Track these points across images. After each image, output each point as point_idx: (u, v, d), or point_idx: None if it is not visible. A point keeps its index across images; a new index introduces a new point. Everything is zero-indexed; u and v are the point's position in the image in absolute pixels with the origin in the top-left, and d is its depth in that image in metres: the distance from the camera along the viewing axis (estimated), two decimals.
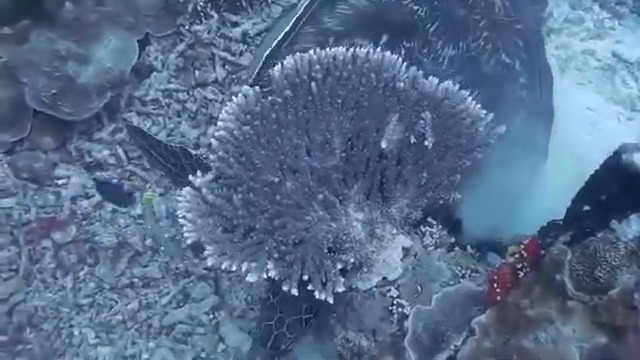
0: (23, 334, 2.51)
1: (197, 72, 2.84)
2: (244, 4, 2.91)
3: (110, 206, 2.68)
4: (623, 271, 1.48)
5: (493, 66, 2.31)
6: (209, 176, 1.77)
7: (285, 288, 1.68)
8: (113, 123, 2.79)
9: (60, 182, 2.73)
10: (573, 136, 2.65)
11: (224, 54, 2.86)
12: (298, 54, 1.86)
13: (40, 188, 2.71)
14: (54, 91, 2.57)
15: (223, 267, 1.66)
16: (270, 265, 1.69)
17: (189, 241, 1.69)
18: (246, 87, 1.81)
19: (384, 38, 2.26)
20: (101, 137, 2.76)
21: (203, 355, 2.46)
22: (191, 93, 2.85)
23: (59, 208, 2.68)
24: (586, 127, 2.68)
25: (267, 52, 2.30)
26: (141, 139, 2.44)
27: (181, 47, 2.85)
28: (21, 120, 2.68)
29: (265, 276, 1.67)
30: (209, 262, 1.67)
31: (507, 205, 2.09)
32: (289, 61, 1.84)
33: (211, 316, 2.52)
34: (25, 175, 2.69)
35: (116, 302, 2.57)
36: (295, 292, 1.68)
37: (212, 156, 1.78)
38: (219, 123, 1.79)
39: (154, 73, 2.84)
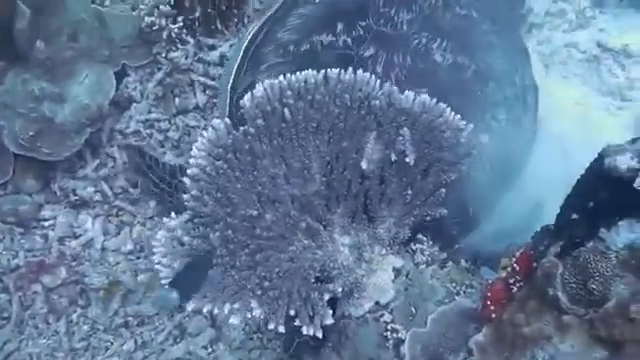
0: None
1: (177, 99, 2.79)
2: (219, 27, 2.87)
3: (99, 244, 2.64)
4: (617, 282, 1.42)
5: (451, 19, 2.34)
6: (184, 217, 1.72)
7: (271, 327, 1.63)
8: (96, 159, 2.74)
9: (47, 224, 2.69)
10: (563, 132, 2.59)
11: (203, 79, 2.82)
12: (267, 81, 1.81)
13: (27, 231, 2.67)
14: (32, 133, 2.53)
15: (205, 311, 1.61)
16: (254, 303, 1.64)
17: (167, 288, 1.65)
18: (216, 120, 1.76)
19: (340, 26, 2.27)
20: (85, 174, 2.71)
21: None
22: (173, 122, 2.80)
23: (47, 250, 2.64)
24: (576, 121, 2.61)
25: (229, 84, 2.35)
26: (140, 160, 2.42)
27: (159, 75, 2.80)
28: (2, 164, 2.64)
29: (249, 316, 1.62)
30: (189, 307, 1.62)
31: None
32: (259, 89, 1.79)
33: (209, 350, 2.47)
34: (11, 219, 2.65)
35: (111, 343, 2.52)
36: (282, 329, 1.63)
37: (185, 196, 1.73)
38: (190, 161, 1.74)
39: (134, 104, 2.79)
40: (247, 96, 1.79)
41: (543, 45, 2.82)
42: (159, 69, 2.82)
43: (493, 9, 2.48)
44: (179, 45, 2.80)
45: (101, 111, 2.63)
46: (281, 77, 1.82)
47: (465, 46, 2.29)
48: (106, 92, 2.66)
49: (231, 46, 2.85)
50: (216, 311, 1.62)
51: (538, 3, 2.86)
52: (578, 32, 2.84)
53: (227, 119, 1.78)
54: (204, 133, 1.76)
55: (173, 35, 2.77)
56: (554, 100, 2.66)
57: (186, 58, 2.80)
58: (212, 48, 2.85)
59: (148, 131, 2.79)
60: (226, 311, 1.62)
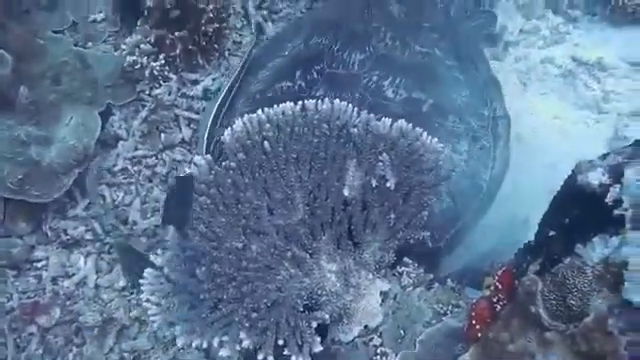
0: None
1: (163, 135, 2.83)
2: (200, 61, 2.92)
3: (92, 282, 2.65)
4: (594, 296, 1.45)
5: (409, 56, 2.48)
6: (169, 253, 1.75)
7: (260, 357, 1.65)
8: (86, 199, 2.77)
9: (40, 264, 2.70)
10: (543, 147, 2.63)
11: (187, 113, 2.86)
12: (246, 116, 1.85)
13: (20, 273, 2.68)
14: (20, 176, 2.56)
15: (194, 345, 1.64)
16: (243, 335, 1.66)
17: (155, 325, 1.67)
18: (197, 157, 1.80)
19: (298, 73, 2.47)
20: (76, 214, 2.74)
21: None
22: (160, 157, 2.83)
23: (41, 291, 2.65)
24: (555, 136, 2.66)
25: (205, 136, 2.53)
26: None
27: (144, 113, 2.84)
28: None
29: (238, 348, 1.64)
30: (179, 342, 1.65)
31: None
32: (238, 124, 1.84)
33: None
34: (3, 262, 2.66)
35: None
36: (271, 359, 1.66)
37: (170, 233, 1.76)
38: None
39: (120, 142, 2.82)
40: (227, 131, 1.84)
41: (520, 62, 2.88)
42: (143, 106, 2.86)
43: (459, 45, 2.58)
44: (162, 82, 2.85)
45: (87, 151, 2.66)
46: (259, 111, 1.86)
47: (423, 82, 2.39)
48: (92, 132, 2.69)
49: (214, 80, 2.91)
50: (205, 345, 1.64)
51: (512, 21, 2.92)
52: (553, 48, 2.89)
53: (208, 155, 1.81)
54: (186, 170, 1.79)
55: (155, 72, 2.82)
56: (534, 117, 2.71)
57: (169, 94, 2.85)
58: (195, 83, 2.91)
59: (136, 168, 2.82)
60: (215, 344, 1.64)
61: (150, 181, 2.81)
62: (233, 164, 1.82)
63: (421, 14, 2.63)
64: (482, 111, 2.41)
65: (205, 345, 1.64)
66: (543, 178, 2.55)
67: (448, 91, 2.41)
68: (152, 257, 1.74)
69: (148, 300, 1.70)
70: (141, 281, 1.73)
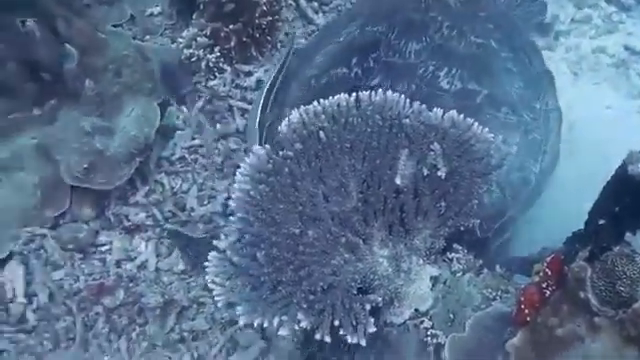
0: None
1: (218, 125, 2.94)
2: (254, 53, 3.02)
3: (153, 265, 2.79)
4: None
5: (465, 47, 2.50)
6: (233, 238, 1.85)
7: (318, 336, 1.74)
8: (146, 186, 2.90)
9: (104, 248, 2.84)
10: (595, 137, 2.64)
11: (241, 104, 2.97)
12: (302, 107, 1.93)
13: (86, 257, 2.83)
14: (85, 166, 2.70)
15: (255, 324, 1.74)
16: (301, 316, 1.75)
17: (220, 304, 1.78)
18: (256, 147, 1.89)
19: (354, 60, 2.50)
20: (136, 201, 2.87)
21: None
22: (215, 146, 2.94)
23: (106, 273, 2.79)
24: (607, 126, 2.67)
25: (257, 119, 2.62)
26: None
27: (200, 103, 2.96)
28: (60, 195, 2.81)
29: (297, 328, 1.73)
30: (241, 321, 1.75)
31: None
32: (295, 115, 1.92)
33: None
34: (71, 246, 2.81)
35: (169, 358, 2.66)
36: (328, 339, 1.74)
37: (232, 218, 1.86)
38: (235, 186, 1.87)
39: (177, 132, 2.95)
40: (284, 122, 1.92)
41: (571, 52, 2.88)
42: (199, 97, 2.98)
43: (513, 36, 2.60)
44: (217, 74, 2.96)
45: (148, 141, 2.78)
46: (315, 102, 1.94)
47: (478, 73, 2.41)
48: (152, 122, 2.82)
49: (266, 71, 3.00)
50: (266, 324, 1.74)
51: (564, 10, 2.92)
52: (605, 37, 2.89)
53: (267, 145, 1.90)
54: (246, 159, 1.89)
55: (211, 65, 2.94)
56: (586, 107, 2.72)
57: (224, 85, 2.96)
58: (249, 74, 3.01)
59: (192, 157, 2.94)
60: (275, 324, 1.74)
61: (206, 169, 2.93)
62: (290, 153, 1.91)
63: (477, 3, 2.66)
64: (534, 104, 2.44)
65: (266, 324, 1.74)
66: (595, 168, 2.56)
67: (502, 83, 2.44)
68: (215, 242, 1.84)
69: (213, 281, 1.81)
70: (206, 263, 1.83)
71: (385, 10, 2.67)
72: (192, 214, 2.83)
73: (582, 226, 1.82)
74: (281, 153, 1.91)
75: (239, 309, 1.77)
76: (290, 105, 2.52)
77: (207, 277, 1.82)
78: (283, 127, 1.91)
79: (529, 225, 2.45)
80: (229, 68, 2.97)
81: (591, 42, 2.89)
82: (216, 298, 1.80)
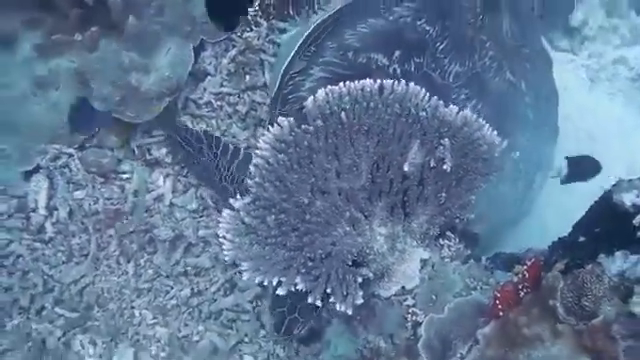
0: (91, 312, 2.86)
1: (247, 76, 3.06)
2: (291, 12, 3.11)
3: (168, 200, 2.97)
4: (606, 302, 1.66)
5: (498, 83, 2.53)
6: (247, 199, 2.02)
7: (310, 300, 1.94)
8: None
9: (124, 176, 3.02)
10: (600, 146, 2.77)
11: (272, 59, 3.08)
12: (329, 87, 2.06)
13: (106, 182, 3.01)
14: (118, 98, 2.85)
15: (256, 281, 1.93)
16: (298, 279, 1.94)
17: (227, 258, 1.97)
18: (281, 118, 2.04)
19: (397, 54, 2.51)
20: (160, 134, 3.03)
21: (246, 340, 2.75)
22: (241, 96, 3.08)
23: (123, 200, 2.98)
24: (614, 137, 2.79)
25: (285, 65, 2.62)
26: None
27: (233, 53, 3.07)
28: None
29: (293, 289, 1.93)
30: (244, 276, 1.94)
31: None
32: (320, 93, 2.05)
33: (254, 304, 2.80)
34: (94, 170, 2.99)
35: (171, 288, 2.87)
36: (319, 303, 1.94)
37: (249, 182, 2.02)
38: (257, 152, 2.03)
39: (208, 77, 3.08)
40: (310, 98, 2.06)
41: (593, 59, 2.96)
42: (233, 47, 3.09)
43: (542, 83, 2.61)
44: (253, 27, 3.07)
45: (180, 83, 2.92)
46: (341, 84, 2.07)
47: (501, 114, 2.46)
48: (185, 66, 2.94)
49: (298, 31, 3.09)
50: (266, 282, 1.93)
51: (594, 16, 2.99)
52: (629, 48, 2.97)
53: (291, 118, 2.05)
54: (270, 128, 2.04)
55: (249, 17, 3.04)
56: (597, 115, 2.84)
57: (258, 39, 3.07)
58: (283, 31, 3.10)
59: (219, 103, 3.08)
60: (274, 283, 1.93)
61: (230, 117, 3.07)
62: (311, 128, 2.05)
63: (525, 38, 2.63)
64: (532, 155, 2.53)
65: (265, 283, 1.93)
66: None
67: (514, 129, 2.47)
68: (231, 200, 2.02)
69: (224, 237, 1.99)
70: (220, 219, 2.01)
71: (442, 10, 2.59)
72: None
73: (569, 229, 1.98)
74: (303, 127, 2.05)
75: (244, 265, 1.95)
76: (322, 66, 2.58)
77: (219, 232, 1.99)
78: (309, 102, 2.05)
79: (522, 225, 2.63)
80: (265, 23, 3.07)
81: (614, 52, 2.97)
82: (224, 252, 1.98)
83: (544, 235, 2.47)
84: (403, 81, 2.09)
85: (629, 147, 2.75)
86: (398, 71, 2.48)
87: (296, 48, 2.65)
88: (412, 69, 2.48)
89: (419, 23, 2.56)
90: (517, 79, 2.56)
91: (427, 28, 2.55)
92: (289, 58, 2.64)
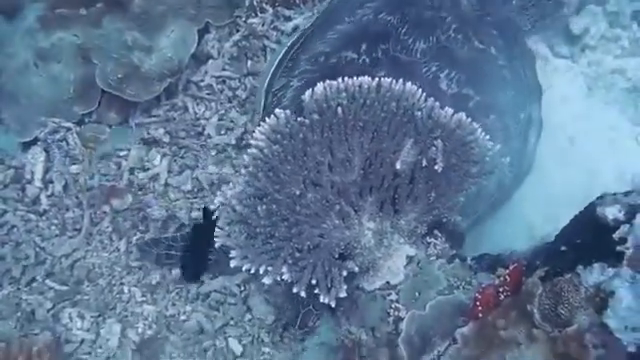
0: (81, 287, 2.89)
1: (249, 62, 3.09)
2: (297, 0, 3.13)
3: (163, 179, 3.01)
4: (581, 312, 1.70)
5: (468, 52, 2.58)
6: (238, 188, 2.06)
7: (295, 290, 1.98)
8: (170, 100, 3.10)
9: (121, 154, 3.06)
10: (591, 152, 2.81)
11: (275, 46, 3.10)
12: (327, 81, 2.10)
13: (103, 158, 3.06)
14: (120, 75, 2.88)
15: (244, 269, 1.97)
16: (284, 269, 1.98)
17: (216, 245, 2.01)
18: (278, 110, 2.07)
19: (363, 46, 2.56)
20: (158, 114, 3.06)
21: (232, 323, 2.78)
22: (242, 81, 3.11)
23: (119, 177, 3.02)
24: (604, 145, 2.83)
25: (265, 84, 2.68)
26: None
27: (236, 37, 3.10)
28: (91, 95, 3.01)
29: (279, 279, 1.97)
30: (232, 263, 1.98)
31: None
32: (319, 88, 2.09)
33: (242, 288, 2.82)
34: (91, 145, 3.03)
35: (162, 268, 2.91)
36: (303, 294, 1.98)
37: (243, 170, 2.06)
38: (252, 142, 2.06)
39: (210, 60, 3.10)
40: (307, 92, 2.09)
41: (592, 67, 2.99)
42: (237, 31, 3.12)
43: (513, 45, 2.69)
44: (259, 12, 3.09)
45: (181, 65, 2.95)
46: (340, 79, 2.10)
47: (475, 79, 2.52)
48: (188, 48, 2.98)
49: (305, 20, 3.11)
50: (253, 271, 1.98)
51: (596, 25, 3.01)
52: (628, 59, 2.99)
53: (288, 111, 2.08)
54: (267, 119, 2.07)
55: (255, 3, 3.06)
56: (590, 122, 2.87)
57: (263, 25, 3.09)
58: (288, 19, 3.12)
59: (219, 87, 3.11)
60: (261, 272, 1.98)
61: (230, 102, 3.10)
62: (307, 121, 2.08)
63: (486, 6, 2.70)
64: (519, 114, 2.59)
65: (253, 271, 1.97)
66: (582, 182, 2.76)
67: (494, 90, 2.54)
68: (224, 188, 2.05)
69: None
70: (211, 207, 2.05)
71: (400, 1, 2.70)
72: (208, 140, 3.03)
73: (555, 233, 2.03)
74: (299, 119, 2.08)
75: (232, 253, 2.00)
76: (298, 76, 2.65)
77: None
78: (306, 96, 2.08)
79: (509, 226, 2.67)
80: (271, 9, 3.09)
81: (614, 61, 2.99)
82: (215, 239, 2.02)
83: (529, 233, 2.55)
84: (401, 80, 2.12)
85: (619, 156, 2.78)
86: (367, 61, 2.53)
87: (274, 67, 2.71)
88: (380, 56, 2.54)
89: (380, 17, 2.65)
90: (486, 45, 2.62)
91: (388, 18, 2.62)
92: (268, 77, 2.71)
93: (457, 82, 2.49)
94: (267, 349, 2.73)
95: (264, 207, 2.03)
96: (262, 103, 2.65)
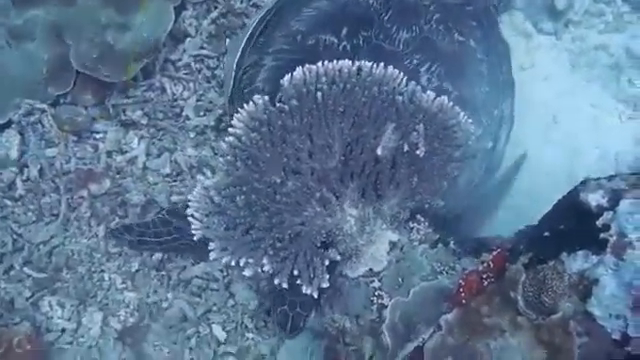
0: (60, 274, 2.84)
1: (228, 40, 3.02)
2: None
3: (141, 162, 2.94)
4: (564, 299, 1.70)
5: (448, 44, 2.52)
6: (216, 178, 2.01)
7: (276, 281, 1.96)
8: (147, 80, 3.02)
9: (98, 136, 2.99)
10: (574, 130, 2.79)
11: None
12: (307, 66, 2.04)
13: (80, 140, 2.98)
14: (95, 55, 2.80)
15: (223, 262, 1.94)
16: (265, 261, 1.96)
17: (196, 237, 1.97)
18: (256, 96, 2.02)
19: (344, 31, 2.46)
20: (135, 95, 2.99)
21: (214, 309, 2.75)
22: (221, 60, 3.03)
23: (96, 160, 2.95)
24: (587, 123, 2.81)
25: (235, 61, 2.54)
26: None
27: (214, 14, 3.02)
28: (66, 76, 2.92)
29: (260, 270, 1.94)
30: (211, 256, 1.95)
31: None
32: (298, 72, 2.04)
33: (224, 274, 2.79)
34: (67, 127, 2.95)
35: (142, 254, 2.86)
36: (285, 285, 1.96)
37: (221, 159, 2.01)
38: (230, 130, 2.01)
39: (188, 39, 3.03)
40: (287, 77, 2.04)
41: (575, 43, 2.95)
42: (215, 8, 3.04)
43: (490, 38, 2.63)
44: None
45: (158, 44, 2.87)
46: (319, 64, 2.05)
47: (454, 73, 2.47)
48: (164, 26, 2.88)
49: None
50: (233, 263, 1.94)
51: (580, 1, 2.96)
52: (611, 35, 2.94)
53: (266, 96, 2.03)
54: (245, 106, 2.02)
55: None
56: (573, 99, 2.85)
57: (241, 2, 3.01)
58: None
59: (198, 66, 3.04)
60: (241, 264, 1.94)
61: (208, 82, 3.03)
62: (286, 107, 2.04)
63: None
64: (493, 110, 2.53)
65: (233, 263, 1.94)
66: (565, 160, 2.75)
67: (472, 85, 2.49)
68: (200, 177, 2.01)
69: (192, 215, 1.99)
70: (189, 197, 2.00)
71: None
72: (186, 122, 2.97)
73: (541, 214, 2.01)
74: (278, 105, 2.03)
75: (211, 245, 1.96)
76: (273, 55, 2.52)
77: (188, 211, 1.99)
78: (285, 81, 2.03)
79: (492, 210, 2.66)
80: None
81: (597, 37, 2.94)
82: (193, 231, 1.98)
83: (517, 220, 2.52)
84: (382, 64, 2.07)
85: (601, 135, 2.76)
86: (348, 47, 2.45)
87: (244, 42, 2.57)
88: (361, 43, 2.45)
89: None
90: (466, 38, 2.56)
91: (370, 1, 2.53)
92: (239, 53, 2.56)
93: (437, 76, 2.43)
94: (251, 335, 2.72)
95: (243, 197, 2.00)
96: (231, 82, 2.54)
